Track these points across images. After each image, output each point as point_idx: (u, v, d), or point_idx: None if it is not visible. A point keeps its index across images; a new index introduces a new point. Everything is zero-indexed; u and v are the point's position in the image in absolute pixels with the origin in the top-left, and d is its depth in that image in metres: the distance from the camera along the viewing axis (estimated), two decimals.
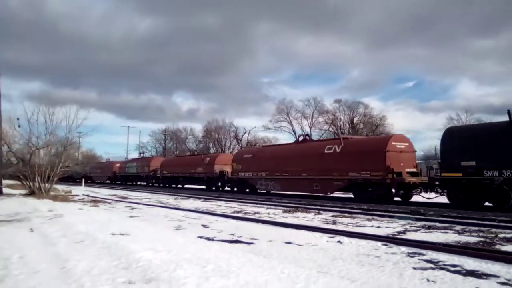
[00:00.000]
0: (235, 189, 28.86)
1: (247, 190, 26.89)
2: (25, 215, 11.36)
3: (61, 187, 30.10)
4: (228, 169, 29.90)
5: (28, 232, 8.28)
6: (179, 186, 37.53)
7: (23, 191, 23.48)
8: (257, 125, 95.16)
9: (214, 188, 31.55)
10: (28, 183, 22.72)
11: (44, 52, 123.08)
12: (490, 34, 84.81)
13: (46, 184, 22.47)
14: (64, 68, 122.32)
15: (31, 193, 21.77)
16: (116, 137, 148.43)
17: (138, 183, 45.98)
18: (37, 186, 22.02)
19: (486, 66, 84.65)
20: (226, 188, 30.77)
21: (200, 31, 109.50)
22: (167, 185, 38.13)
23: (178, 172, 36.47)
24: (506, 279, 4.59)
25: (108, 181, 53.71)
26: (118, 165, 52.88)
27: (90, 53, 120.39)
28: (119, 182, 49.68)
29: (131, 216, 12.14)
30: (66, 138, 23.98)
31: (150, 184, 41.67)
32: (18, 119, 23.57)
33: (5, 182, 25.40)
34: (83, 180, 57.23)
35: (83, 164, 63.58)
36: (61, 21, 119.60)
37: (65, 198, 20.40)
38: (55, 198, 19.76)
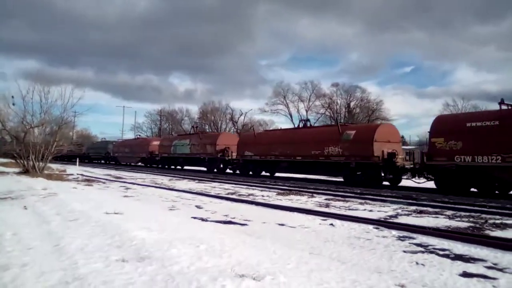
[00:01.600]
0: (435, 187, 15.29)
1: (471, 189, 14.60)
2: (19, 193, 11.36)
3: (55, 166, 30.05)
4: (395, 148, 18.15)
5: (22, 209, 8.29)
6: (265, 173, 25.33)
7: (17, 169, 23.42)
8: (254, 108, 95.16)
9: (376, 182, 17.71)
10: (22, 161, 22.64)
11: (40, 30, 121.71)
12: (491, 20, 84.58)
13: (40, 163, 22.41)
14: (60, 47, 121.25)
15: (25, 172, 21.71)
16: (112, 117, 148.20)
17: (192, 167, 33.39)
18: (31, 165, 21.95)
19: (486, 53, 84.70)
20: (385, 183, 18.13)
21: (199, 11, 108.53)
22: (251, 173, 25.31)
23: (279, 154, 22.63)
24: (493, 263, 4.68)
25: (140, 164, 42.46)
26: (156, 143, 40.14)
27: (87, 32, 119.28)
28: (159, 166, 37.59)
29: (125, 196, 12.18)
30: (61, 117, 23.79)
31: (216, 170, 29.43)
32: (12, 97, 23.30)
33: None
34: (106, 161, 50.38)
35: (104, 142, 56.15)
36: None
37: (59, 177, 20.39)
38: (49, 176, 19.73)
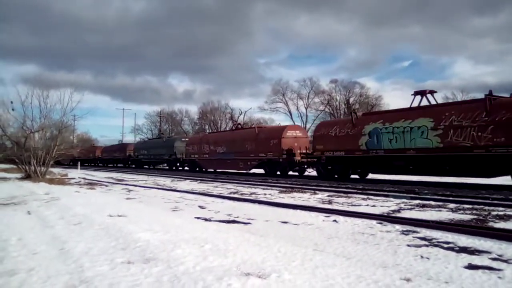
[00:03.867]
0: None
1: None
2: (22, 199, 11.38)
3: (57, 170, 30.08)
4: None
5: (25, 215, 8.30)
6: None
7: (18, 175, 23.46)
8: (253, 106, 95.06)
9: None
10: (23, 166, 22.68)
11: (38, 34, 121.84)
12: (489, 12, 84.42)
13: (42, 168, 22.44)
14: (58, 50, 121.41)
15: (27, 177, 21.76)
16: (111, 120, 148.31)
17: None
18: (33, 170, 21.99)
19: (483, 45, 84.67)
20: None
21: (196, 11, 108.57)
22: None
23: None
24: (498, 255, 4.68)
25: (255, 169, 25.60)
26: (291, 134, 23.20)
27: (85, 35, 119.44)
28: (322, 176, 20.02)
29: (128, 198, 12.19)
30: (61, 121, 23.85)
31: None
32: (12, 102, 23.38)
33: (0, 166, 25.30)
34: (172, 167, 35.73)
35: (166, 139, 39.45)
36: (54, 2, 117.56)
37: (61, 181, 20.41)
38: (51, 181, 19.76)
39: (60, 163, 48.27)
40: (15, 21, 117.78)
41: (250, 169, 25.86)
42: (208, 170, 30.35)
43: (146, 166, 42.01)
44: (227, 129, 31.37)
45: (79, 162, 43.17)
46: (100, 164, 46.04)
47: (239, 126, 31.70)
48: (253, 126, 30.55)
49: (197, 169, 31.41)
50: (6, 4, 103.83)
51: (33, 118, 23.19)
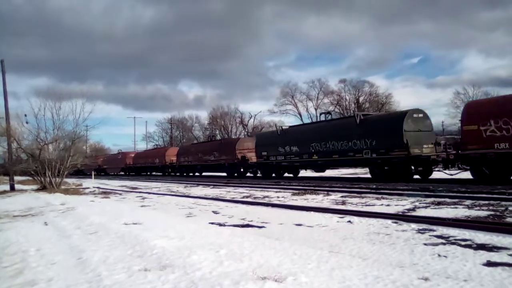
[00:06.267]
0: None
1: None
2: (39, 210, 11.55)
3: (71, 181, 30.44)
4: None
5: (42, 225, 8.42)
6: None
7: (34, 186, 23.79)
8: (263, 110, 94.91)
9: None
10: (39, 178, 23.01)
11: (49, 47, 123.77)
12: (499, 5, 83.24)
13: (57, 179, 22.74)
14: (70, 62, 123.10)
15: (43, 188, 22.06)
16: (123, 129, 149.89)
17: None
18: (48, 181, 22.30)
19: (494, 38, 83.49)
20: None
21: (204, 17, 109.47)
22: None
23: None
24: None
25: None
26: None
27: (95, 46, 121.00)
28: None
29: (143, 206, 12.27)
30: (73, 132, 24.18)
31: None
32: (25, 115, 23.83)
33: (16, 178, 25.75)
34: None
35: (371, 118, 19.98)
36: (65, 15, 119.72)
37: (76, 191, 20.66)
38: (66, 191, 20.01)
39: (106, 172, 46.00)
40: (27, 35, 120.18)
41: None
42: None
43: (285, 174, 24.83)
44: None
45: (93, 172, 43.04)
46: (177, 174, 27.01)
47: None
48: None
49: None
50: (17, 19, 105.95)
51: (46, 130, 23.60)
